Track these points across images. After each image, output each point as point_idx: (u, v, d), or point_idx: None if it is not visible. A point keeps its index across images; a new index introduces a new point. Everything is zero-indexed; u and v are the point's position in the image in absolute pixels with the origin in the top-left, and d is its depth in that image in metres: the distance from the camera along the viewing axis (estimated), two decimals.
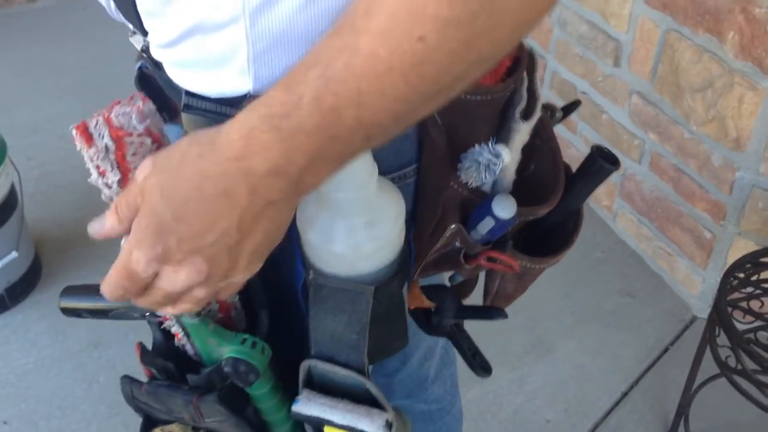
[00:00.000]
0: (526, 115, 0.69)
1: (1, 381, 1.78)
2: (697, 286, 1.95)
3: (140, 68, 0.69)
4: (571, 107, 0.85)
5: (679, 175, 1.88)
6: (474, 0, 0.40)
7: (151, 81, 0.67)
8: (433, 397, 1.13)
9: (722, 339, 1.34)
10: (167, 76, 0.62)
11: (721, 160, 1.73)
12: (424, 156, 0.66)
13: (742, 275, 1.44)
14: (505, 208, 0.66)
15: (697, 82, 1.72)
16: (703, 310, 1.93)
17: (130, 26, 0.64)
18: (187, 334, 0.63)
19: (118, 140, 0.52)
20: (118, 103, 0.52)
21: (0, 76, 2.85)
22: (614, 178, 2.13)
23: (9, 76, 2.85)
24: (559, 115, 0.81)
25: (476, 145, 0.66)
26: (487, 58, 0.44)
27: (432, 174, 0.67)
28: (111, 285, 0.53)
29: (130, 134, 0.51)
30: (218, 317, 0.64)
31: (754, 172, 1.66)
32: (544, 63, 2.31)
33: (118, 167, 0.53)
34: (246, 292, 0.65)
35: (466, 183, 0.67)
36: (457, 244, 0.71)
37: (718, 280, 1.43)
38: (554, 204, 0.72)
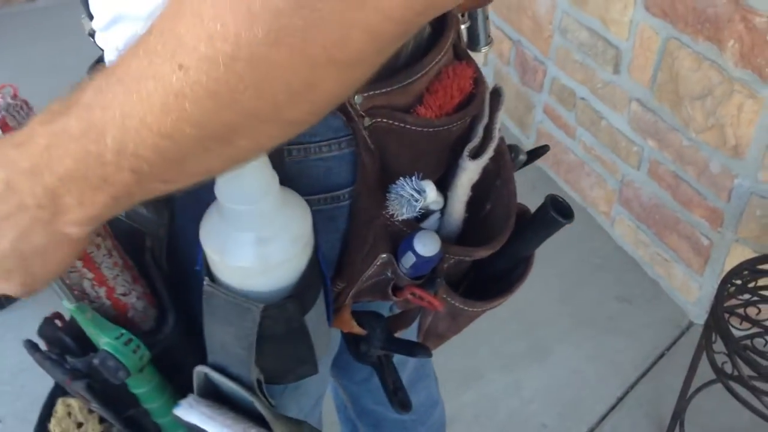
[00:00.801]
0: (477, 154, 0.68)
1: None
2: (694, 293, 1.95)
3: (101, 56, 0.68)
4: (537, 152, 0.83)
5: (677, 182, 1.89)
6: (231, 42, 0.36)
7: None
8: None
9: (718, 345, 1.34)
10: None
11: (720, 168, 1.73)
12: (357, 180, 0.64)
13: (739, 282, 1.45)
14: (426, 245, 0.64)
15: (697, 90, 1.73)
16: (699, 316, 1.94)
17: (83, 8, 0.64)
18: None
19: None
20: None
21: (0, 75, 2.85)
22: (613, 184, 2.13)
23: (9, 75, 2.85)
24: (523, 158, 0.79)
25: (401, 179, 0.64)
26: (261, 114, 0.40)
27: (363, 200, 0.65)
28: None
29: None
30: (112, 314, 0.63)
31: (753, 180, 1.67)
32: (544, 69, 2.32)
33: None
34: (157, 294, 0.66)
35: (394, 215, 0.66)
36: (389, 274, 0.70)
37: (715, 286, 1.43)
38: (495, 248, 0.70)
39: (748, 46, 1.55)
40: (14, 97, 0.54)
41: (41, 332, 0.67)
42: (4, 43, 3.08)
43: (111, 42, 0.61)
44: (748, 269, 1.46)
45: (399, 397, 0.82)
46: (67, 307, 0.61)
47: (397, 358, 1.06)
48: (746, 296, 1.43)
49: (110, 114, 0.41)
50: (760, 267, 1.46)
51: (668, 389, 1.75)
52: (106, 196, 0.45)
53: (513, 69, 2.49)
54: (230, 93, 0.38)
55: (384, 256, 0.67)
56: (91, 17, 0.62)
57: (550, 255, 2.16)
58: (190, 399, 0.65)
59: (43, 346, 0.67)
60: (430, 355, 0.78)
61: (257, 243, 0.57)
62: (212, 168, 0.45)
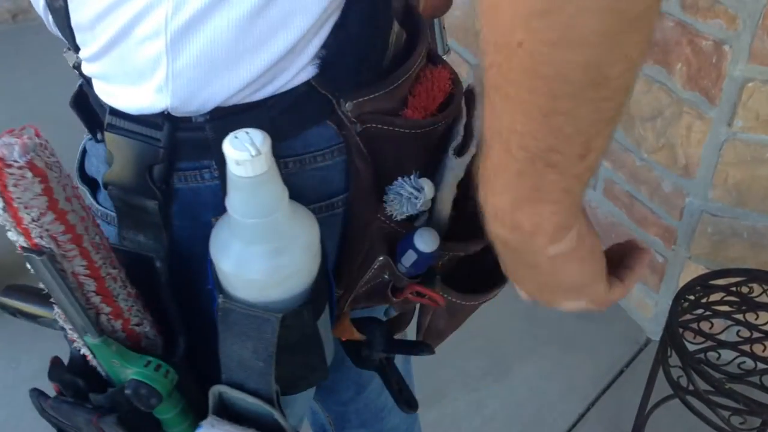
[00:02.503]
0: (461, 152, 0.70)
1: None
2: (650, 310, 1.99)
3: (80, 86, 0.69)
4: None
5: (631, 201, 1.93)
6: None
7: (87, 99, 0.67)
8: (389, 427, 1.13)
9: (674, 360, 1.37)
10: (95, 93, 0.63)
11: (672, 187, 1.78)
12: (351, 187, 0.66)
13: (692, 298, 1.48)
14: (426, 242, 0.66)
15: (648, 112, 1.78)
16: (656, 332, 1.98)
17: (66, 41, 0.64)
18: (93, 355, 0.62)
19: None
20: (10, 132, 0.52)
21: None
22: None
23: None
24: None
25: (399, 178, 0.66)
26: (593, 40, 0.41)
27: (358, 205, 0.67)
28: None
29: (10, 166, 0.50)
30: (127, 345, 0.63)
31: (703, 198, 1.71)
32: None
33: (1, 195, 0.52)
34: (164, 319, 0.66)
35: (392, 215, 0.67)
36: (386, 276, 0.71)
37: (671, 303, 1.46)
38: (485, 242, 0.72)
39: (695, 68, 1.60)
40: (37, 136, 0.53)
41: (52, 377, 0.66)
42: None
43: (102, 69, 0.60)
44: (701, 285, 1.50)
45: (404, 396, 0.83)
46: (89, 343, 0.61)
47: (378, 380, 1.06)
48: (699, 311, 1.47)
49: (501, 141, 0.46)
50: (712, 282, 1.50)
51: (628, 405, 1.77)
52: (555, 203, 0.49)
53: None
54: (563, 32, 0.40)
55: (381, 258, 0.68)
56: (76, 49, 0.62)
57: None
58: (211, 419, 0.65)
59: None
60: (432, 351, 0.79)
61: (272, 255, 0.58)
62: (604, 113, 0.45)
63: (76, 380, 0.65)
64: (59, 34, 0.64)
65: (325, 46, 0.59)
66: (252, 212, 0.55)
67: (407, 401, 0.83)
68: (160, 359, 0.63)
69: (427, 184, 0.65)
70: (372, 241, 0.68)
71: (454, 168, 0.70)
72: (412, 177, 0.65)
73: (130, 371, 0.62)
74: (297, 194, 0.62)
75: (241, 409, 0.66)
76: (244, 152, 0.52)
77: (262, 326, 0.59)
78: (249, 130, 0.53)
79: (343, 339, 0.78)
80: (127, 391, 0.61)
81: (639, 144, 1.84)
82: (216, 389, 0.64)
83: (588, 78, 0.42)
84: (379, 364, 0.82)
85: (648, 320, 2.01)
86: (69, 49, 0.65)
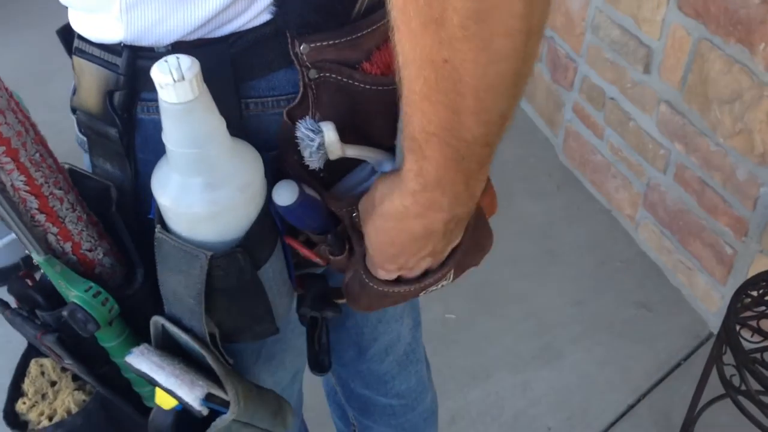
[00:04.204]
0: None
1: None
2: (715, 303, 1.90)
3: None
4: None
5: (703, 188, 1.84)
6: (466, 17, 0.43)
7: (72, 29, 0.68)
8: (395, 392, 1.12)
9: (729, 357, 1.30)
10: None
11: (747, 175, 1.68)
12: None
13: (755, 294, 1.40)
14: (280, 195, 0.61)
15: (726, 94, 1.67)
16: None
17: None
18: (45, 273, 0.63)
19: None
20: None
21: (38, 49, 2.91)
22: (638, 187, 2.08)
23: (46, 48, 2.90)
24: None
25: (299, 120, 0.60)
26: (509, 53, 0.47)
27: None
28: None
29: None
30: (79, 270, 0.63)
31: None
32: (574, 67, 2.27)
33: None
34: (125, 251, 0.67)
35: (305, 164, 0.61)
36: None
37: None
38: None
39: None
40: None
41: (11, 289, 0.68)
42: (40, 18, 3.14)
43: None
44: (766, 281, 1.41)
45: (319, 360, 0.82)
46: (36, 260, 0.62)
47: (384, 343, 1.04)
48: (761, 308, 1.38)
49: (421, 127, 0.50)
50: None
51: (681, 400, 1.70)
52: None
53: (544, 66, 2.45)
54: (482, 47, 0.45)
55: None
56: None
57: (570, 256, 2.13)
58: (142, 347, 0.65)
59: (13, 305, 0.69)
60: (338, 312, 0.77)
61: (204, 188, 0.57)
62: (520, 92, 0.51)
63: (34, 295, 0.66)
64: None
65: None
66: (181, 142, 0.54)
67: (318, 365, 0.82)
68: (103, 287, 0.63)
69: (327, 127, 0.58)
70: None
71: None
72: (307, 118, 0.59)
73: (72, 294, 0.62)
74: (258, 138, 0.61)
75: (182, 345, 0.66)
76: (167, 76, 0.51)
77: (191, 262, 0.58)
78: (180, 56, 0.52)
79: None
80: (64, 313, 0.62)
81: (714, 128, 1.74)
82: (157, 320, 0.65)
83: (510, 80, 0.47)
84: (310, 321, 0.80)
85: (712, 314, 1.92)
86: None
